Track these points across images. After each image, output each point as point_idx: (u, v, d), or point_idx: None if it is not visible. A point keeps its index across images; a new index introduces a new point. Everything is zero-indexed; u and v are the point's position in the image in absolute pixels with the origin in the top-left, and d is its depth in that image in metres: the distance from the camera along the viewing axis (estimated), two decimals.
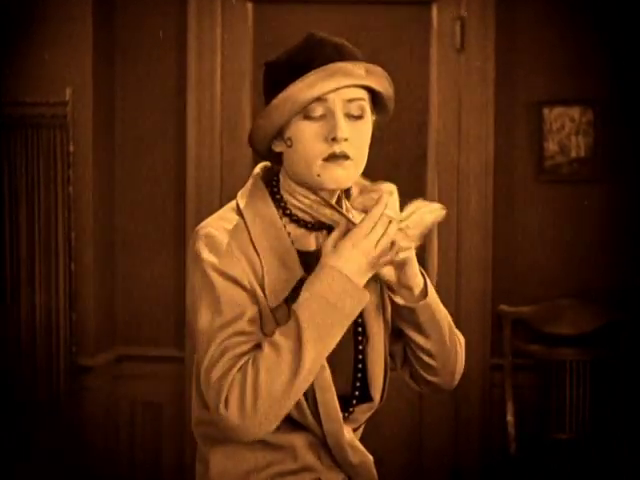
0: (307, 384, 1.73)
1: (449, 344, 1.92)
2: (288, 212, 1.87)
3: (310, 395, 1.81)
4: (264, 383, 1.68)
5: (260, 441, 1.82)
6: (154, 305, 4.14)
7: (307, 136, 1.78)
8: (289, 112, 1.77)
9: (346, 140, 1.77)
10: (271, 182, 1.90)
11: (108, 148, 4.07)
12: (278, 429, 1.80)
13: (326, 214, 1.84)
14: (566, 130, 4.08)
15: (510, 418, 4.01)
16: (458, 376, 1.98)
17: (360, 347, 1.89)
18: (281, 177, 1.89)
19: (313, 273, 1.76)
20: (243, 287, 1.76)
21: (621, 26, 4.00)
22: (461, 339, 1.99)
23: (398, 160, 4.10)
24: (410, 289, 1.85)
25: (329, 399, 1.82)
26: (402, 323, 1.89)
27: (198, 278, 1.78)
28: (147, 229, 4.14)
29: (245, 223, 1.82)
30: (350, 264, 1.74)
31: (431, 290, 1.88)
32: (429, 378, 1.95)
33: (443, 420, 4.12)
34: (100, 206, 4.00)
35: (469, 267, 4.10)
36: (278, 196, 1.88)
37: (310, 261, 1.83)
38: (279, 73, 1.80)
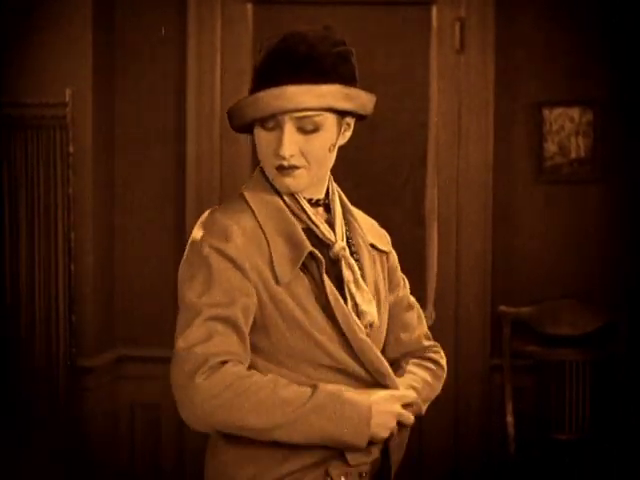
0: (267, 439, 1.80)
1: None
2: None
3: (335, 326, 1.86)
4: (246, 402, 1.76)
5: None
6: (154, 306, 4.14)
7: (261, 145, 1.90)
8: (244, 119, 1.89)
9: (292, 156, 1.85)
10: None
11: (108, 148, 4.07)
12: None
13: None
14: (566, 131, 4.08)
15: (509, 418, 4.02)
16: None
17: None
18: None
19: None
20: (242, 271, 1.81)
21: (621, 27, 4.00)
22: (442, 362, 2.11)
23: (398, 160, 4.09)
24: None
25: (351, 322, 1.87)
26: None
27: (195, 259, 1.83)
28: (147, 229, 4.14)
29: (251, 209, 1.89)
30: (379, 409, 1.83)
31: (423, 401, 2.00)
32: None
33: (443, 420, 4.12)
34: (100, 206, 4.00)
35: (469, 268, 4.10)
36: None
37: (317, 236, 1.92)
38: (254, 72, 1.93)
